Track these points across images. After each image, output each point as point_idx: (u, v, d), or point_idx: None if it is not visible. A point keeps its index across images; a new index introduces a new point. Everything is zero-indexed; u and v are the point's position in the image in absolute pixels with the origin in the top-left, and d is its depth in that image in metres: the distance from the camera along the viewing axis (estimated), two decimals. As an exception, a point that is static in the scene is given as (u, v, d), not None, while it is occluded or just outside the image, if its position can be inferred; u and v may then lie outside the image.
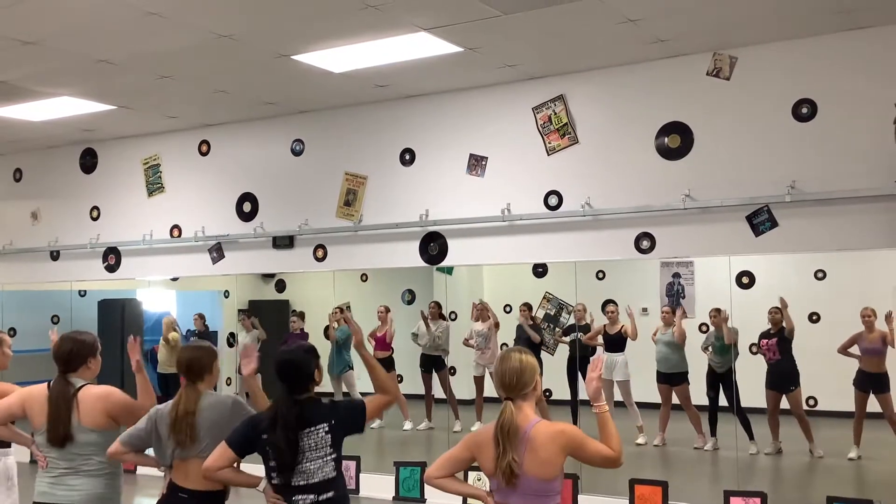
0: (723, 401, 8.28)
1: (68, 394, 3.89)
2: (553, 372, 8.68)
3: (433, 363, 9.72)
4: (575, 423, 8.81)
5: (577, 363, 8.72)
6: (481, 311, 9.52)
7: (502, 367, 3.21)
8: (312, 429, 3.40)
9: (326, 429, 3.42)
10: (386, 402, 3.64)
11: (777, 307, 8.11)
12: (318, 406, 3.49)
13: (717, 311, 8.15)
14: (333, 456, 3.44)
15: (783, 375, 8.01)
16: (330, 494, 3.42)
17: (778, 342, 8.01)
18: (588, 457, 3.13)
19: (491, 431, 3.15)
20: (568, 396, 8.88)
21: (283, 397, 3.44)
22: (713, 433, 8.40)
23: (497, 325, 9.47)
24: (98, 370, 4.09)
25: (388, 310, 10.01)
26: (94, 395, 3.92)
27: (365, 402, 3.57)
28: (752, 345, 8.51)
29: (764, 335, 8.17)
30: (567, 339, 9.20)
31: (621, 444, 3.13)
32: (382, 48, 6.03)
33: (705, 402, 8.64)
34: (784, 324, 7.98)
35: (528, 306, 9.22)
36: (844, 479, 7.58)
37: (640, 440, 8.80)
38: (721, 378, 8.17)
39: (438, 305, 9.60)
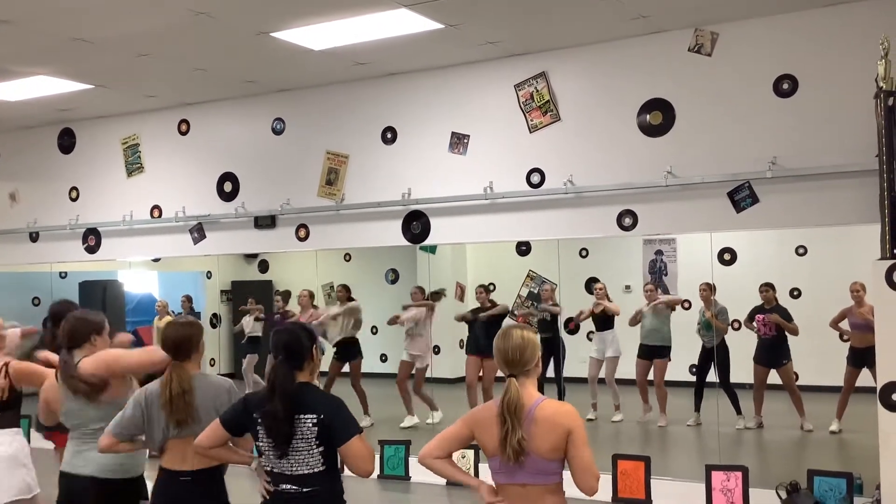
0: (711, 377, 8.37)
1: (72, 367, 3.94)
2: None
3: (347, 351, 9.36)
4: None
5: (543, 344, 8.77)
6: (414, 295, 9.22)
7: (504, 344, 3.14)
8: (302, 416, 3.24)
9: (314, 420, 3.24)
10: (361, 466, 3.29)
11: (768, 283, 8.18)
12: (314, 394, 3.35)
13: (708, 285, 8.14)
14: (320, 449, 3.26)
15: (775, 350, 8.10)
16: (315, 488, 3.27)
17: (775, 321, 8.07)
18: (574, 454, 3.03)
19: (493, 409, 3.09)
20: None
21: (282, 369, 3.30)
22: (697, 409, 8.47)
23: (432, 310, 9.15)
24: (105, 348, 4.08)
25: (311, 295, 9.59)
26: (92, 363, 3.94)
27: (357, 436, 3.27)
28: (735, 320, 8.58)
29: (758, 311, 8.21)
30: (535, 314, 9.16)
31: (590, 486, 3.08)
32: (362, 25, 5.98)
33: (684, 377, 8.75)
34: (788, 327, 8.05)
35: (484, 288, 9.03)
36: (825, 452, 7.68)
37: (616, 417, 8.94)
38: (711, 353, 8.22)
39: (346, 289, 9.40)
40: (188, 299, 10.48)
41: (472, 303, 9.21)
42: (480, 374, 8.70)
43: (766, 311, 8.17)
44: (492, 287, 9.39)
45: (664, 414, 8.69)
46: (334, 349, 9.35)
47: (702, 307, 8.38)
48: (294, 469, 3.27)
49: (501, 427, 3.02)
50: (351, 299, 9.41)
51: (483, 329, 8.63)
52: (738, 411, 8.23)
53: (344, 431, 3.26)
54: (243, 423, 3.38)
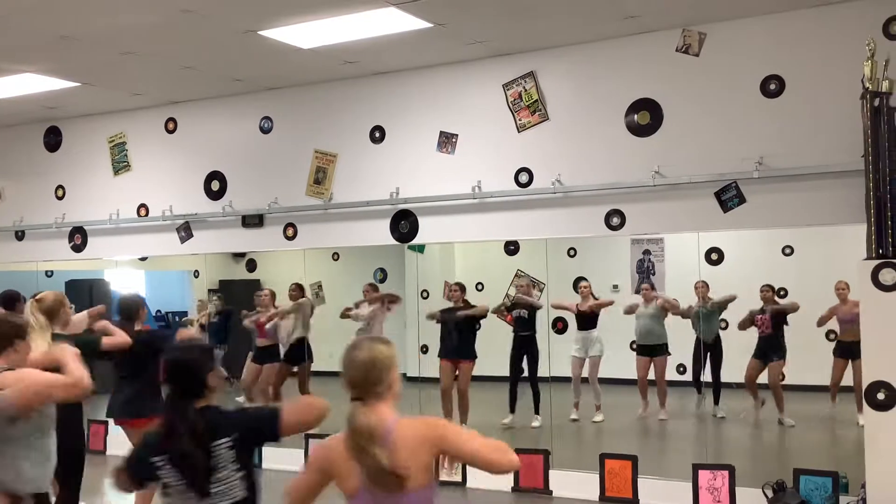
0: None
1: None
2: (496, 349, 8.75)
3: (296, 354, 8.96)
4: (513, 398, 8.77)
5: (519, 343, 8.73)
6: (367, 292, 8.94)
7: (347, 359, 2.68)
8: (216, 443, 2.90)
9: (230, 443, 2.91)
10: (313, 413, 3.03)
11: (768, 285, 8.33)
12: (220, 415, 2.99)
13: (704, 283, 8.29)
14: (241, 474, 2.94)
15: (772, 346, 8.26)
16: None
17: (771, 317, 8.24)
18: (465, 453, 2.60)
19: (342, 444, 2.64)
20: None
21: (180, 403, 2.96)
22: (700, 391, 8.58)
23: (390, 305, 8.83)
24: (27, 354, 3.79)
25: (273, 295, 9.28)
26: (14, 391, 3.51)
27: (280, 410, 3.01)
28: (723, 320, 8.64)
29: (758, 311, 8.35)
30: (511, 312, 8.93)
31: (509, 460, 2.61)
32: (351, 24, 5.96)
33: (670, 376, 8.83)
34: (787, 307, 8.21)
35: (459, 286, 8.72)
36: (811, 451, 7.71)
37: (597, 418, 8.93)
38: (708, 348, 8.40)
39: (300, 288, 9.10)
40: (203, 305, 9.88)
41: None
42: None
43: (763, 311, 8.33)
44: (479, 286, 9.36)
45: (664, 408, 8.77)
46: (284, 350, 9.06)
47: (698, 303, 8.48)
48: (217, 502, 2.93)
49: (359, 456, 2.57)
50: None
51: (456, 330, 8.43)
52: (717, 401, 8.43)
53: (264, 419, 3.01)
54: (145, 469, 2.97)
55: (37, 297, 5.17)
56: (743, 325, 8.40)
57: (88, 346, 4.58)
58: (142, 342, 5.69)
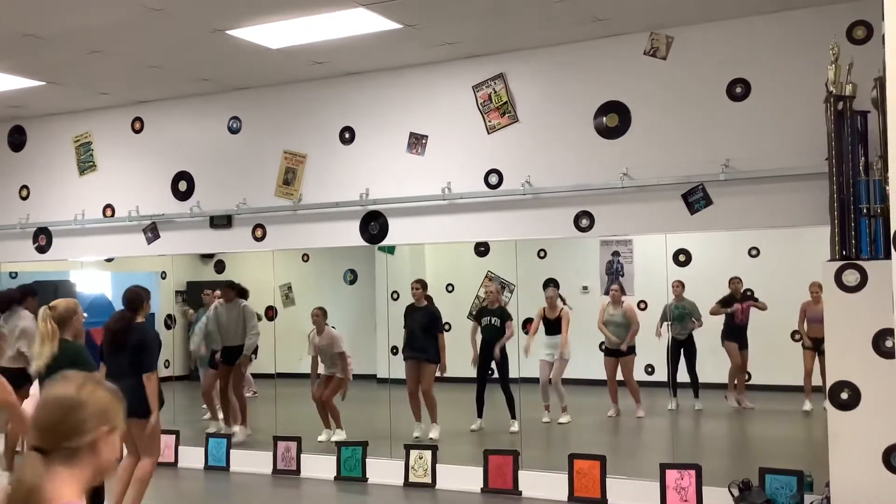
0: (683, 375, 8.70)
1: None
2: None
3: (233, 356, 8.78)
4: (481, 403, 8.71)
5: (487, 348, 8.70)
6: (317, 318, 8.68)
7: (42, 400, 1.98)
8: None
9: None
10: None
11: (736, 277, 8.60)
12: None
13: (680, 282, 8.53)
14: None
15: (744, 334, 8.57)
16: None
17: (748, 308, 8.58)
18: None
19: None
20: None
21: None
22: (674, 394, 8.67)
23: (341, 354, 8.59)
24: None
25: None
26: None
27: None
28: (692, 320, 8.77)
29: (731, 300, 8.61)
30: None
31: None
32: (320, 24, 5.94)
33: (639, 377, 8.92)
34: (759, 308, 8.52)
35: (420, 283, 8.56)
36: (777, 450, 7.79)
37: (563, 419, 8.92)
38: (681, 345, 8.64)
39: (231, 286, 8.97)
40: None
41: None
42: None
43: (748, 297, 8.59)
44: (450, 288, 9.34)
45: (639, 405, 8.82)
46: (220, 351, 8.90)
47: (673, 301, 8.58)
48: None
49: None
50: (243, 297, 8.94)
51: (420, 329, 8.37)
52: (696, 395, 8.67)
53: None
54: None
55: (50, 305, 5.33)
56: (715, 312, 8.64)
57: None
58: (137, 338, 5.87)
